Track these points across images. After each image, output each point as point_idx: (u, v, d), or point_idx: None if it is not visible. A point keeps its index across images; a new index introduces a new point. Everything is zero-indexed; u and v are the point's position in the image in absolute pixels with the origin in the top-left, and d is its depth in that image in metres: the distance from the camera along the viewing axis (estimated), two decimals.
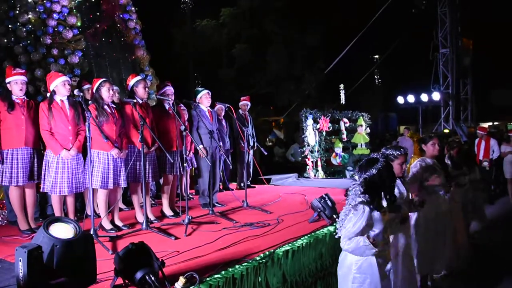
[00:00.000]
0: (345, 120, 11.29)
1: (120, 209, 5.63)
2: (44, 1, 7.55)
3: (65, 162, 4.53)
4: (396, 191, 3.45)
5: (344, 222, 2.99)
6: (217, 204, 6.17)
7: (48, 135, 4.48)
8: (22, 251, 2.44)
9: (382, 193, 3.06)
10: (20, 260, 2.44)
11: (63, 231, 2.69)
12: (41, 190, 4.67)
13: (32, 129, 4.68)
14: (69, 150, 4.54)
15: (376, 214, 2.94)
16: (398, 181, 3.76)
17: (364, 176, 2.99)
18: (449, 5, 17.02)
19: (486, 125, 18.15)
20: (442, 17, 17.32)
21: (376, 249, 2.87)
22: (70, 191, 4.60)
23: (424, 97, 17.37)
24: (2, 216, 5.32)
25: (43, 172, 4.58)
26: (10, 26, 7.38)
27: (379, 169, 2.98)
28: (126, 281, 2.83)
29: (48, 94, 4.65)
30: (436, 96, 17.06)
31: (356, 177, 3.08)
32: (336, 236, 3.14)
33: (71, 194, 4.68)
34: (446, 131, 15.61)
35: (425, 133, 17.39)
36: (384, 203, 3.12)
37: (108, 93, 4.70)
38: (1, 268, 3.49)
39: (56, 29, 7.59)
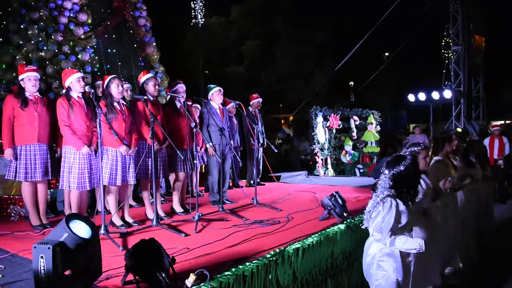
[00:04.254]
0: (355, 117, 11.22)
1: (130, 206, 5.65)
2: None
3: (85, 158, 4.55)
4: (420, 187, 3.59)
5: (371, 214, 3.13)
6: (227, 201, 6.17)
7: (70, 131, 4.47)
8: (45, 247, 2.44)
9: (409, 188, 3.20)
10: (42, 257, 2.44)
11: (81, 229, 2.69)
12: (59, 187, 4.68)
13: (45, 125, 4.73)
14: (89, 146, 4.57)
15: (403, 207, 3.08)
16: (423, 176, 3.88)
17: (392, 172, 3.15)
18: (462, 2, 16.80)
19: (498, 123, 17.92)
20: (454, 14, 17.10)
21: (423, 250, 3.06)
22: (90, 186, 4.63)
23: (435, 95, 17.14)
24: (15, 211, 5.36)
25: (62, 169, 4.55)
26: (21, 23, 7.43)
27: (407, 165, 3.14)
28: (137, 277, 2.84)
29: (64, 91, 4.68)
30: (447, 94, 16.85)
31: (386, 171, 3.21)
32: (362, 227, 3.29)
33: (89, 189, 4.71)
34: (459, 130, 15.41)
35: (435, 132, 17.24)
36: (410, 198, 3.26)
37: (117, 90, 4.71)
38: (13, 262, 3.52)
39: (67, 26, 7.63)
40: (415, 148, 3.82)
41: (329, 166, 10.37)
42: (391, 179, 3.15)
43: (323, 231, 4.33)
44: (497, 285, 5.07)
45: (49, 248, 2.43)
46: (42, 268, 2.45)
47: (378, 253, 3.15)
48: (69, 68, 6.76)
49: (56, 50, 7.40)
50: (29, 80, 4.66)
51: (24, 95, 4.66)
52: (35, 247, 2.47)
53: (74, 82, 4.56)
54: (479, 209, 5.82)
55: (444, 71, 17.77)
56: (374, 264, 3.16)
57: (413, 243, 3.06)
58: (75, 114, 4.52)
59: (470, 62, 17.17)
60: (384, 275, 3.11)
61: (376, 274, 3.15)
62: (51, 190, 5.60)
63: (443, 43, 17.67)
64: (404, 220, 3.08)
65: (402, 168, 3.12)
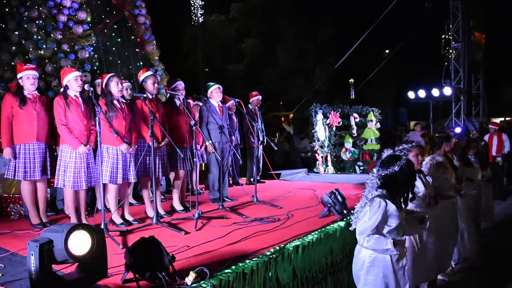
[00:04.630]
0: (355, 115, 11.19)
1: (130, 204, 5.65)
2: None
3: (82, 157, 4.55)
4: (415, 189, 3.50)
5: (359, 214, 3.02)
6: (227, 199, 6.17)
7: (66, 129, 4.46)
8: (34, 245, 2.45)
9: (403, 190, 3.08)
10: (32, 254, 2.46)
11: (82, 241, 2.62)
12: (55, 186, 4.68)
13: (44, 124, 4.72)
14: (86, 145, 4.56)
15: (392, 209, 2.95)
16: (418, 177, 3.79)
17: (386, 172, 3.03)
18: None
19: (498, 120, 17.91)
20: (454, 10, 17.04)
21: (398, 252, 2.92)
22: (87, 185, 4.63)
23: (435, 92, 17.09)
24: (14, 210, 5.37)
25: (57, 168, 4.56)
26: (20, 21, 7.42)
27: (402, 166, 3.02)
28: (137, 275, 2.84)
29: (62, 89, 4.68)
30: (447, 91, 16.79)
31: (374, 170, 3.11)
32: (351, 228, 3.18)
33: (86, 188, 4.71)
34: (459, 130, 15.34)
35: (435, 129, 17.21)
36: (404, 199, 3.15)
37: (116, 88, 4.71)
38: (13, 261, 3.53)
39: (66, 24, 7.62)
40: (406, 146, 3.64)
41: (329, 163, 10.34)
42: (379, 179, 3.04)
43: (323, 229, 4.33)
44: (497, 283, 5.07)
45: (36, 246, 2.44)
46: (32, 265, 2.46)
47: (367, 258, 3.02)
48: (68, 66, 6.76)
49: (56, 48, 7.39)
50: (28, 78, 4.66)
51: (23, 94, 4.65)
52: (28, 244, 2.49)
53: (71, 80, 4.55)
54: (477, 209, 5.80)
55: (444, 68, 17.71)
56: (364, 269, 3.04)
57: (385, 243, 2.88)
58: (72, 113, 4.51)
59: (470, 59, 17.10)
60: (372, 280, 3.00)
61: (365, 279, 3.03)
62: (51, 188, 5.60)
63: (443, 40, 17.59)
64: (394, 223, 2.95)
65: (396, 168, 3.00)
